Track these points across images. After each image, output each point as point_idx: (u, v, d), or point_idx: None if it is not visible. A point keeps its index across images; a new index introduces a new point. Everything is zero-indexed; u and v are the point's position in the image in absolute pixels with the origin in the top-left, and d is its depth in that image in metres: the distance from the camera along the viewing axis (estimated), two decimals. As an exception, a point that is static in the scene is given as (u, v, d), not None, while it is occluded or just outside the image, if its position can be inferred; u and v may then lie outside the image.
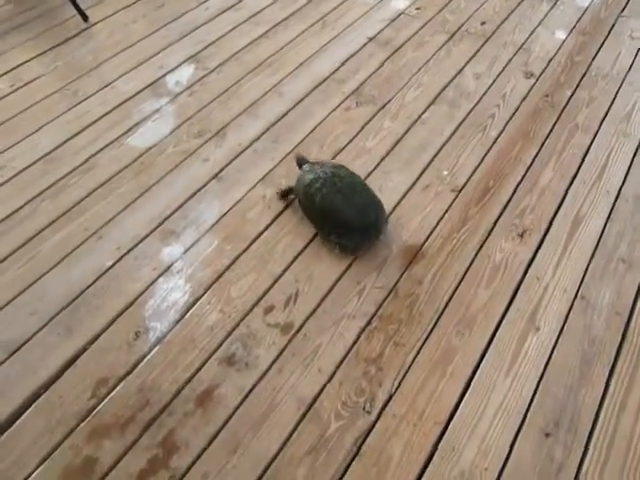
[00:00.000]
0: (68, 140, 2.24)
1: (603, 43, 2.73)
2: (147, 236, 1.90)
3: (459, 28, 2.81)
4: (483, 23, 2.84)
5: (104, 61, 2.60)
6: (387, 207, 1.97)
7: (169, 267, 1.82)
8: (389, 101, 2.39)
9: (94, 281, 1.79)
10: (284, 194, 1.99)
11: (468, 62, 2.60)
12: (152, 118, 2.32)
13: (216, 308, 1.71)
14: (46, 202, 2.02)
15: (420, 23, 2.84)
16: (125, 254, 1.86)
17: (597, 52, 2.67)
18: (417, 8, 2.94)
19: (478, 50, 2.67)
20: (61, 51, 2.66)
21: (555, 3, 3.00)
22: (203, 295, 1.74)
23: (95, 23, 2.82)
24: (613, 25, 2.85)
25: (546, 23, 2.85)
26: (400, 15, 2.89)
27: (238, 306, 1.71)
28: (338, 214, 1.78)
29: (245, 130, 2.26)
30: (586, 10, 2.95)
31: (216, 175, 2.10)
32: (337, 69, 2.55)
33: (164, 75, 2.52)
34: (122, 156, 2.17)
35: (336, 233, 1.82)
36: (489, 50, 2.67)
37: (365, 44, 2.69)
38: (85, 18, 2.83)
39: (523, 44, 2.71)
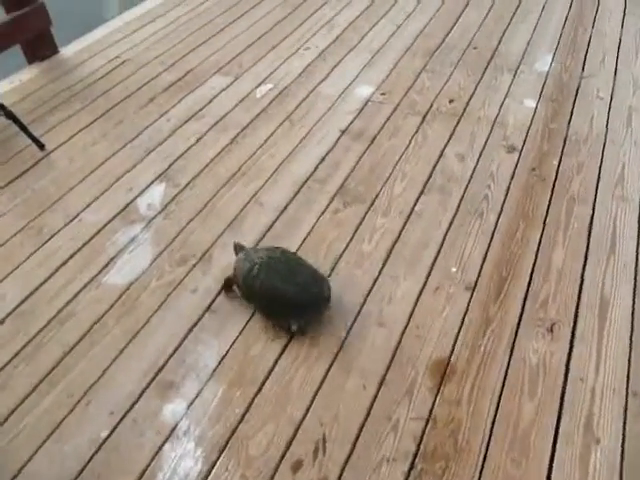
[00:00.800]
0: (38, 287, 2.02)
1: (574, 106, 2.74)
2: (143, 393, 1.68)
3: (429, 108, 2.77)
4: (451, 101, 2.82)
5: (67, 191, 2.42)
6: (401, 318, 1.83)
7: (174, 429, 1.59)
8: (377, 196, 2.29)
9: (91, 457, 1.54)
10: (227, 285, 1.94)
11: (447, 143, 2.54)
12: (128, 249, 2.14)
13: (236, 474, 1.48)
14: (21, 367, 1.77)
15: (389, 108, 2.79)
16: (121, 419, 1.62)
17: (571, 116, 2.67)
18: (382, 93, 2.91)
19: (454, 129, 2.62)
20: (18, 186, 2.47)
21: (515, 72, 3.02)
22: (218, 459, 1.52)
23: (53, 150, 2.66)
24: (578, 87, 2.87)
25: (513, 93, 2.86)
26: (367, 103, 2.84)
27: (261, 466, 1.49)
28: (282, 296, 1.77)
29: (231, 250, 2.09)
30: (547, 75, 2.98)
31: (208, 307, 1.91)
32: (316, 168, 2.44)
33: (134, 199, 2.36)
34: (101, 298, 1.96)
35: (284, 316, 1.80)
36: (465, 128, 2.63)
37: (339, 138, 2.61)
38: (41, 146, 2.67)
39: (496, 118, 2.69)
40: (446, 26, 3.51)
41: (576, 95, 2.82)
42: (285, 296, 1.77)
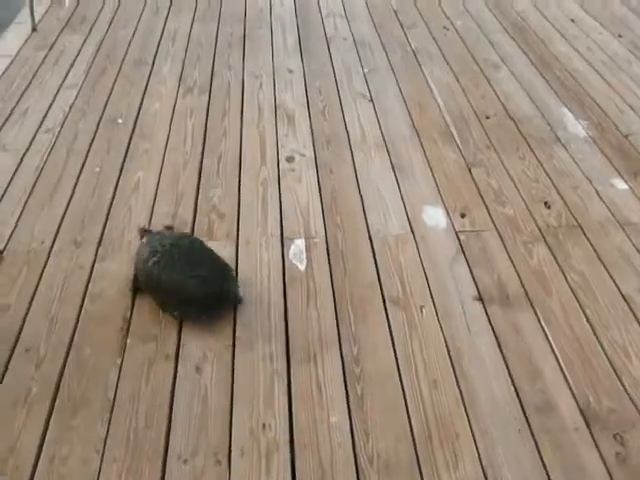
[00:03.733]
0: None
1: (667, 179, 2.32)
2: None
3: (537, 226, 2.03)
4: (547, 204, 2.14)
5: None
6: None
7: None
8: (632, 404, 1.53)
9: None
10: (134, 284, 1.73)
11: (611, 277, 1.86)
12: None
13: None
14: None
15: (493, 239, 1.98)
16: None
17: (678, 194, 2.25)
18: (462, 215, 2.08)
19: (594, 250, 1.95)
20: None
21: (561, 143, 2.46)
22: None
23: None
24: (638, 151, 2.48)
25: (591, 175, 2.28)
26: (459, 237, 1.99)
27: None
28: (179, 289, 1.62)
29: None
30: (595, 141, 2.51)
31: None
32: (513, 385, 1.54)
33: None
34: None
35: (181, 309, 1.65)
36: (603, 244, 1.97)
37: (486, 314, 1.71)
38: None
39: (615, 217, 2.09)
40: (422, 89, 2.79)
41: (650, 162, 2.41)
42: (183, 290, 1.62)
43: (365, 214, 2.08)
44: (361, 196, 2.16)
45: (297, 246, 1.94)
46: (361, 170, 2.28)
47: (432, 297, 1.79)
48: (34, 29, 3.21)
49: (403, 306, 1.75)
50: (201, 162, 2.29)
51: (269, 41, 3.16)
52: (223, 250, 1.89)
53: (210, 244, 1.91)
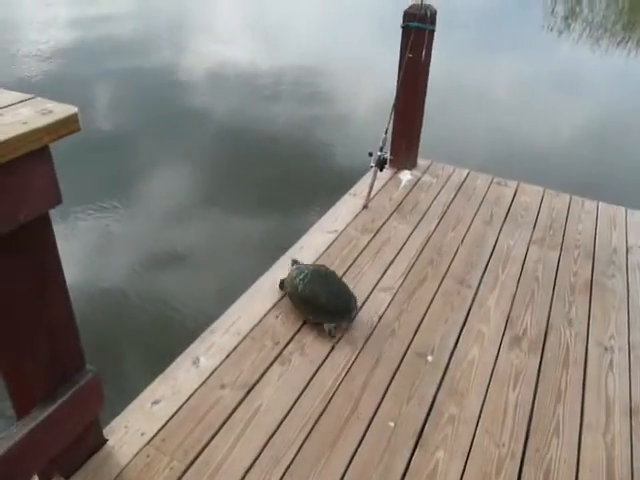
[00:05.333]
0: None
1: None
2: None
3: None
4: None
5: None
6: None
7: None
8: None
9: None
10: (281, 283, 2.41)
11: None
12: None
13: None
14: None
15: None
16: None
17: None
18: None
19: None
20: None
21: None
22: None
23: None
24: None
25: None
26: None
27: None
28: (315, 299, 2.21)
29: None
30: None
31: None
32: None
33: None
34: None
35: (315, 315, 2.22)
36: None
37: None
38: None
39: None
40: None
41: None
42: (318, 300, 2.20)
43: None
44: None
45: None
46: None
47: None
48: (365, 206, 3.17)
49: None
50: (520, 469, 1.72)
51: (624, 298, 2.54)
52: None
53: None
